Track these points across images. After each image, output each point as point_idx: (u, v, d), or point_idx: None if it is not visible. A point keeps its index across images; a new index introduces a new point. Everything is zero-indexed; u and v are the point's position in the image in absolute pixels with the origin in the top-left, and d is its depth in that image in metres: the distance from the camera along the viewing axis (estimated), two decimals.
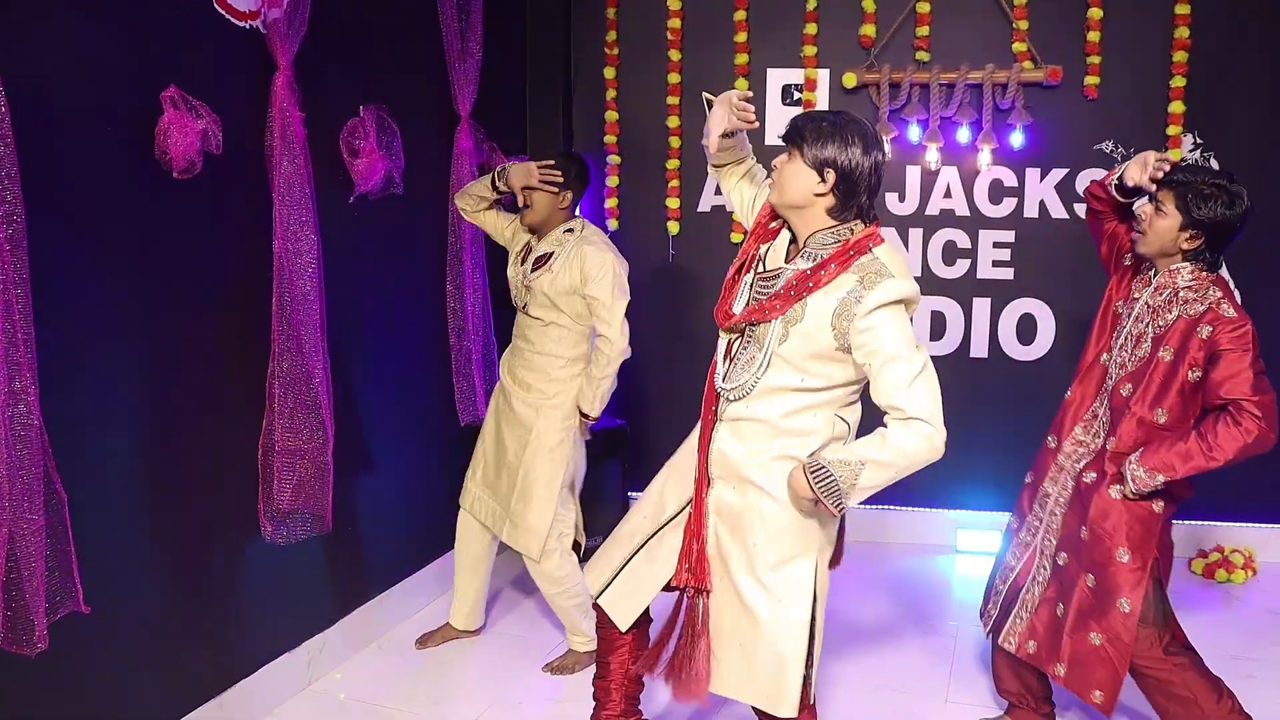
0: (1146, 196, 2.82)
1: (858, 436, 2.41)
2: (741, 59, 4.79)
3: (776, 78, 4.81)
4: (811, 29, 4.71)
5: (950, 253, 4.80)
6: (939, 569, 4.71)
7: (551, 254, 3.45)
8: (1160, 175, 2.74)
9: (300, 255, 3.09)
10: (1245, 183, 2.74)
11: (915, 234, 4.80)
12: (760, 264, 2.49)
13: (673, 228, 4.99)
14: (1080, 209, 4.62)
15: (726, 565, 2.46)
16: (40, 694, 2.49)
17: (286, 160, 3.03)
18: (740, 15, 4.77)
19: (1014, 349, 4.80)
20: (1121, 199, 2.90)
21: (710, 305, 2.56)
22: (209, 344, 2.97)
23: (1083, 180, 4.60)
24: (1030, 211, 4.71)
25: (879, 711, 3.39)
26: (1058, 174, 4.66)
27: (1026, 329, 4.78)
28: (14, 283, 2.19)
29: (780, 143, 2.45)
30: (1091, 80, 4.54)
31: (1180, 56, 4.44)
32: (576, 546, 3.71)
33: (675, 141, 4.93)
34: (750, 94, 2.61)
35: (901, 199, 4.80)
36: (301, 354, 3.10)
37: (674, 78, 4.88)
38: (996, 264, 4.77)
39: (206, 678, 3.06)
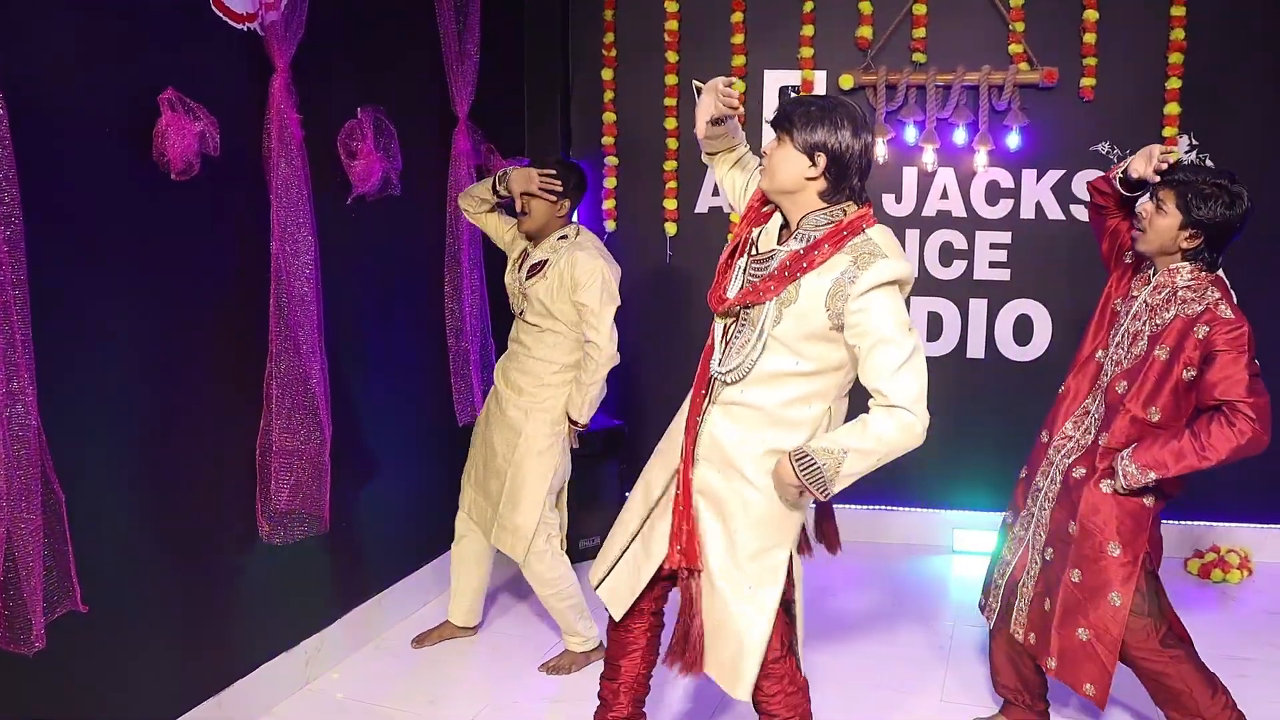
0: (1148, 194, 2.83)
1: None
2: (739, 60, 4.81)
3: (774, 79, 4.82)
4: (808, 30, 4.73)
5: (947, 254, 4.81)
6: (936, 569, 4.72)
7: (546, 261, 3.47)
8: (1164, 167, 2.74)
9: (298, 256, 3.10)
10: (1242, 183, 2.76)
11: (912, 235, 4.81)
12: (753, 247, 2.50)
13: (670, 229, 5.01)
14: (1077, 210, 4.63)
15: (704, 546, 2.48)
16: (38, 693, 2.50)
17: (284, 162, 3.04)
18: (737, 17, 4.79)
19: (1010, 350, 4.81)
20: (1126, 193, 2.91)
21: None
22: (207, 345, 2.98)
23: (1079, 181, 4.62)
24: (1026, 213, 4.72)
25: (874, 710, 3.41)
26: (1054, 175, 4.67)
27: (1023, 330, 4.80)
28: (12, 284, 2.20)
29: None
30: (1088, 82, 4.55)
31: (1176, 58, 4.45)
32: (572, 548, 3.72)
33: (673, 143, 4.94)
34: (734, 80, 2.62)
35: (898, 200, 4.81)
36: (299, 355, 3.11)
37: (671, 79, 4.89)
38: (993, 265, 4.78)
39: (204, 677, 3.07)
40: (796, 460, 2.31)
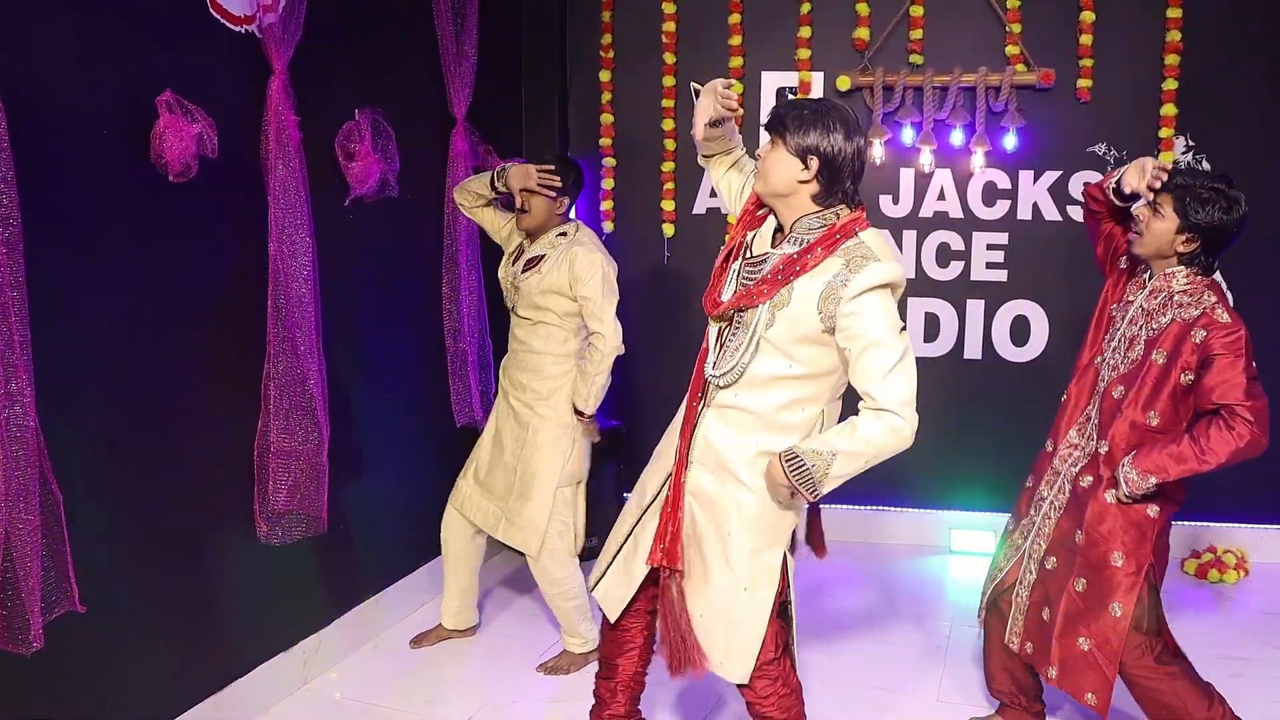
0: (1143, 200, 2.84)
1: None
2: (736, 62, 4.82)
3: (771, 80, 4.83)
4: (806, 32, 4.74)
5: (944, 254, 4.82)
6: (932, 569, 4.73)
7: (543, 256, 3.48)
8: (1158, 185, 2.74)
9: (295, 258, 3.11)
10: (1237, 185, 2.77)
11: (909, 236, 4.82)
12: (748, 250, 2.51)
13: (668, 230, 5.01)
14: (1073, 211, 4.64)
15: (700, 546, 2.49)
16: (36, 693, 2.51)
17: (282, 164, 3.05)
18: (735, 18, 4.80)
19: (1007, 350, 4.82)
20: (1118, 203, 2.91)
21: None
22: (205, 346, 2.99)
23: (1076, 183, 4.63)
24: (1023, 214, 4.73)
25: (870, 710, 3.41)
26: (1051, 176, 4.68)
27: (1020, 330, 4.80)
28: (10, 285, 2.21)
29: None
30: (1084, 83, 4.56)
31: (1172, 60, 4.46)
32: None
33: (670, 144, 4.95)
34: (733, 81, 2.63)
35: (895, 201, 4.82)
36: (297, 356, 3.12)
37: (669, 80, 4.90)
38: (990, 266, 4.79)
39: (202, 677, 3.07)
40: (787, 461, 2.33)
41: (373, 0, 3.71)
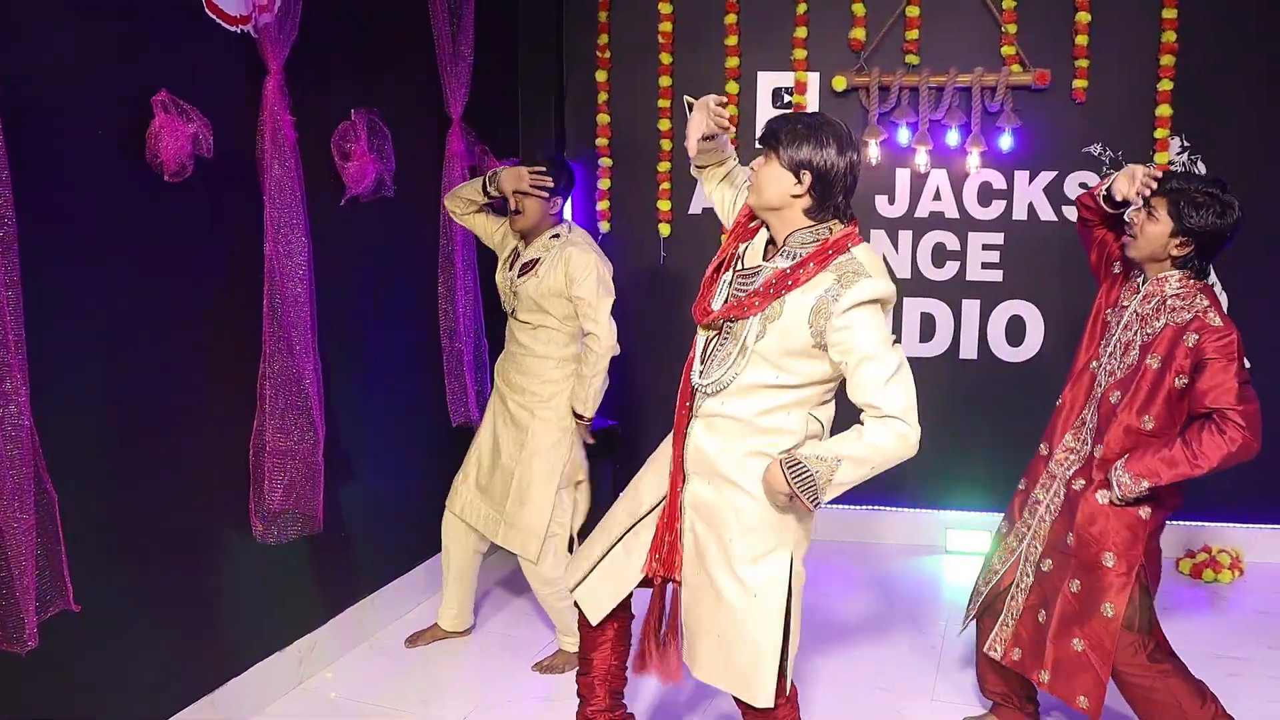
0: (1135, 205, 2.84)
1: (831, 434, 2.45)
2: (732, 62, 4.82)
3: (767, 81, 4.83)
4: (802, 32, 4.74)
5: (939, 255, 4.83)
6: (928, 569, 4.73)
7: (538, 259, 3.48)
8: (1148, 193, 2.75)
9: (291, 257, 3.11)
10: (1233, 186, 2.77)
11: (904, 236, 4.83)
12: (739, 262, 2.52)
13: (664, 230, 5.02)
14: (1069, 211, 4.65)
15: (704, 559, 2.49)
16: (31, 692, 2.51)
17: (277, 163, 3.05)
18: (731, 19, 4.80)
19: (1003, 350, 4.83)
20: (1110, 210, 2.92)
21: None
22: (200, 345, 2.99)
23: (1071, 183, 4.64)
24: (1019, 214, 4.74)
25: (865, 709, 3.42)
26: (1046, 176, 4.68)
27: (1015, 331, 4.81)
28: (5, 284, 2.21)
29: None
30: (1080, 84, 4.57)
31: (1168, 60, 4.47)
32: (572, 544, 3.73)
33: (666, 144, 4.95)
34: (725, 99, 2.64)
35: (891, 201, 4.83)
36: (292, 355, 3.12)
37: (665, 81, 4.90)
38: (985, 266, 4.79)
39: (197, 676, 3.08)
40: (788, 467, 2.32)
41: (369, 0, 3.70)
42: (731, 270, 2.52)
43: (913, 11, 4.64)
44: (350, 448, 3.69)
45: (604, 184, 5.05)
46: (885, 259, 4.66)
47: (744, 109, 4.83)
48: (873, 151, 4.70)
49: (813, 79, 4.78)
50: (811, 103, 4.78)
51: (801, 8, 4.73)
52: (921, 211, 4.81)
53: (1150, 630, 2.85)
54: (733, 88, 4.81)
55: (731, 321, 2.44)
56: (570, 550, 3.64)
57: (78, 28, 2.53)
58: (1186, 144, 4.54)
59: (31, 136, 2.39)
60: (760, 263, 2.47)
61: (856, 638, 3.97)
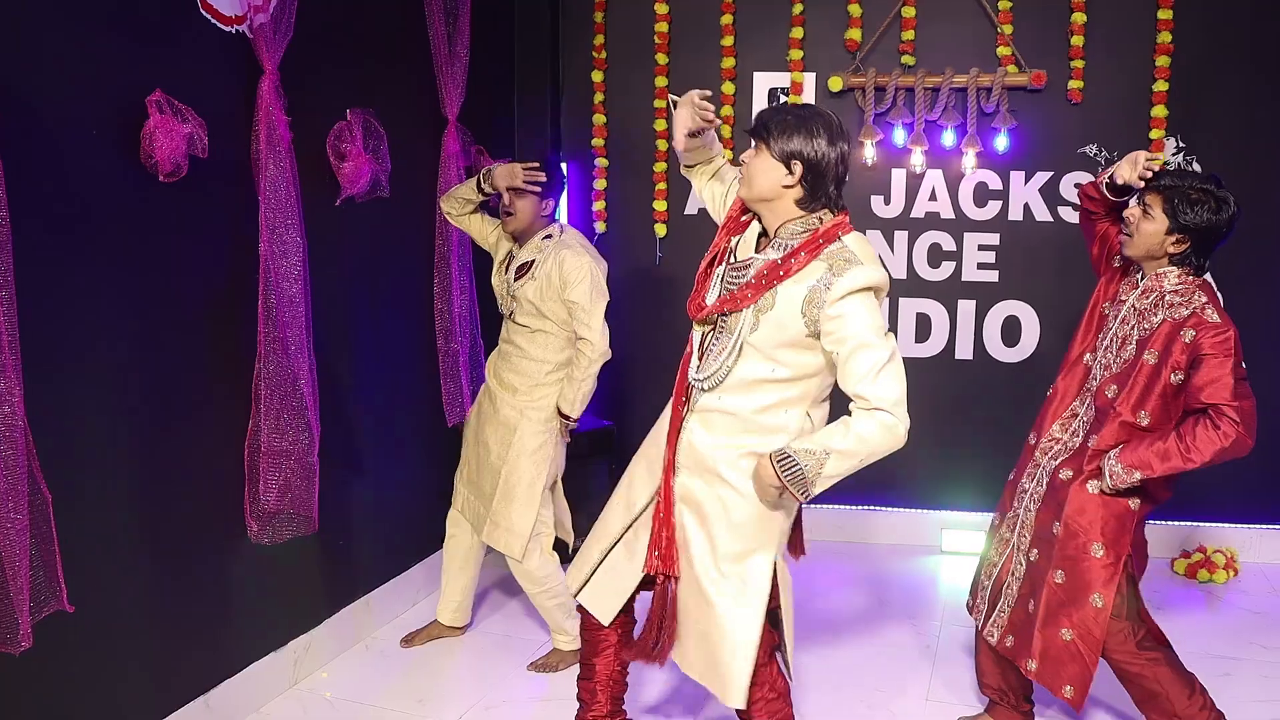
0: (1135, 198, 2.85)
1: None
2: (728, 62, 4.82)
3: (763, 81, 4.83)
4: (798, 33, 4.75)
5: (935, 255, 4.83)
6: (924, 569, 4.74)
7: (533, 262, 3.48)
8: (1149, 174, 2.76)
9: (286, 258, 3.11)
10: (1228, 185, 2.78)
11: (900, 236, 4.83)
12: (731, 255, 2.52)
13: (660, 230, 5.02)
14: (1064, 212, 4.66)
15: (689, 554, 2.50)
16: (25, 693, 2.51)
17: (272, 164, 3.05)
18: (727, 19, 4.80)
19: (999, 351, 4.83)
20: (1113, 198, 2.93)
21: None
22: (195, 345, 2.99)
23: (1067, 183, 4.65)
24: (1015, 214, 4.74)
25: (860, 709, 3.42)
26: (1042, 177, 4.69)
27: (1011, 331, 4.82)
28: None
29: None
30: (1075, 84, 4.57)
31: (1163, 61, 4.48)
32: (564, 546, 3.74)
33: (663, 144, 4.96)
34: (709, 92, 2.65)
35: (887, 202, 4.83)
36: (288, 356, 3.12)
37: (661, 81, 4.91)
38: (981, 266, 4.80)
39: (192, 676, 3.07)
40: (778, 461, 2.33)
41: (365, 0, 3.70)
42: (724, 264, 2.52)
43: (909, 12, 4.64)
44: (346, 448, 3.69)
45: (600, 184, 5.05)
46: (880, 259, 4.66)
47: (740, 109, 4.83)
48: (868, 152, 4.70)
49: (809, 79, 4.78)
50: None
51: (797, 8, 4.73)
52: (917, 212, 4.82)
53: (1139, 618, 2.87)
54: (729, 88, 4.81)
55: (725, 315, 2.44)
56: (561, 551, 3.65)
57: (72, 27, 2.53)
58: (1182, 144, 4.55)
59: (26, 136, 2.38)
60: (752, 255, 2.47)
61: (851, 638, 3.97)
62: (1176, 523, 4.69)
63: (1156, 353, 2.76)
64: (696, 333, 2.54)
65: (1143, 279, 2.87)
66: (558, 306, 3.43)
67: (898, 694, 3.53)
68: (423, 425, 4.17)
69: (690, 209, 4.99)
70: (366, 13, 3.71)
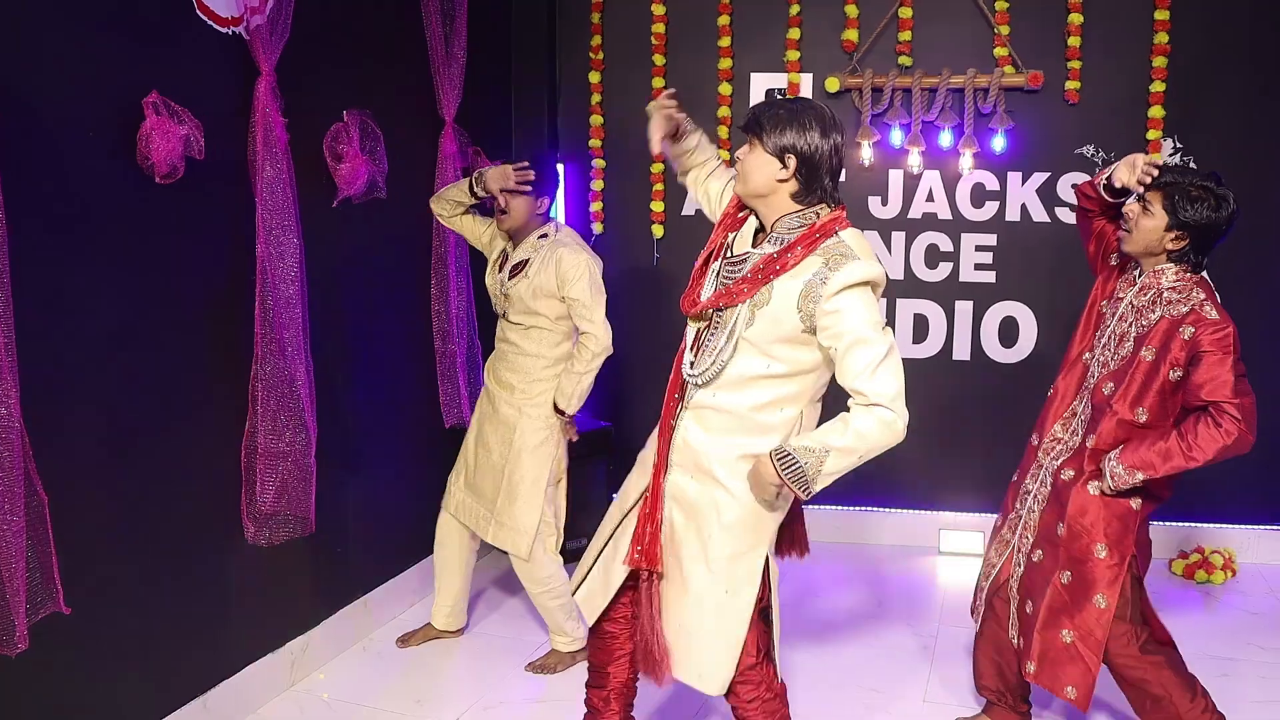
0: (1134, 196, 2.85)
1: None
2: (725, 63, 4.82)
3: (760, 82, 4.84)
4: (795, 34, 4.75)
5: (932, 256, 4.83)
6: (922, 570, 4.74)
7: (527, 261, 3.48)
8: (1148, 180, 2.76)
9: (283, 259, 3.11)
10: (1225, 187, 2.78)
11: (898, 237, 4.83)
12: (728, 251, 2.52)
13: (657, 231, 5.02)
14: (1061, 213, 4.66)
15: (679, 552, 2.49)
16: (22, 695, 2.51)
17: (269, 165, 3.05)
18: (724, 20, 4.80)
19: (996, 351, 4.84)
20: (1110, 199, 2.93)
21: None
22: (192, 347, 2.99)
23: (1064, 184, 4.65)
24: (1012, 215, 4.74)
25: (858, 710, 3.42)
26: (1039, 178, 4.69)
27: (1008, 332, 4.82)
28: None
29: None
30: (1072, 85, 4.57)
31: (1160, 62, 4.48)
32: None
33: None
34: (673, 90, 2.64)
35: (884, 202, 4.83)
36: (284, 357, 3.12)
37: (659, 82, 4.91)
38: (978, 267, 4.80)
39: (189, 678, 3.07)
40: (778, 459, 2.32)
41: (361, 1, 3.71)
42: (720, 260, 2.52)
43: (905, 13, 4.65)
44: (343, 449, 3.69)
45: (597, 185, 5.05)
46: (877, 258, 4.66)
47: (737, 110, 4.83)
48: (865, 153, 4.70)
49: (806, 80, 4.78)
50: None
51: (794, 9, 4.73)
52: (914, 213, 4.82)
53: (1143, 620, 2.87)
54: (726, 89, 4.81)
55: (720, 310, 2.43)
56: (559, 548, 3.64)
57: (69, 28, 2.53)
58: (1179, 145, 4.55)
59: (22, 137, 2.39)
60: (749, 250, 2.46)
61: (849, 638, 3.97)
62: (1174, 523, 4.69)
63: (1154, 349, 2.76)
64: (691, 329, 2.53)
65: (1140, 276, 2.87)
66: (551, 303, 3.43)
67: (896, 695, 3.53)
68: (420, 426, 4.17)
69: (688, 210, 4.99)
70: (363, 14, 3.71)
